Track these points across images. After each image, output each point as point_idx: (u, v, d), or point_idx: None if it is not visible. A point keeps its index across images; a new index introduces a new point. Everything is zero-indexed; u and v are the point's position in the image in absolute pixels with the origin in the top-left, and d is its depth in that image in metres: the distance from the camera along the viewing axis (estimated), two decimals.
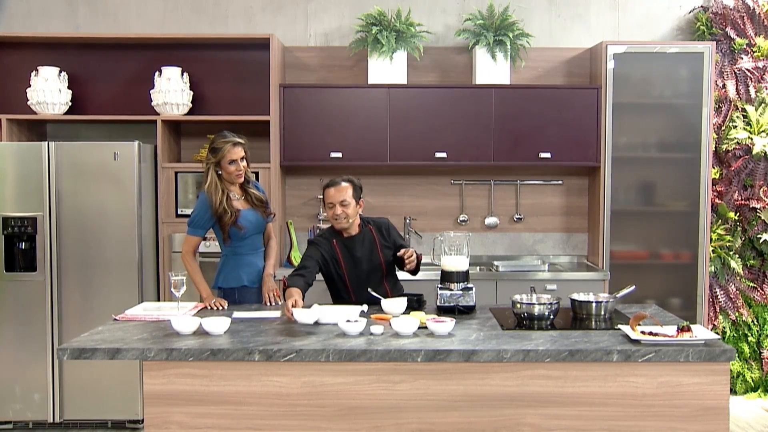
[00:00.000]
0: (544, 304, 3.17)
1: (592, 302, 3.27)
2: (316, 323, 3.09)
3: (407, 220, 5.03)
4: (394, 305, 3.25)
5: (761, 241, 4.93)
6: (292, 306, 3.06)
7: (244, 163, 3.65)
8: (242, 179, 3.67)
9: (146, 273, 4.54)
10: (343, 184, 3.57)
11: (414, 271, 3.67)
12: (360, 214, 3.67)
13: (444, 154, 4.73)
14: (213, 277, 3.77)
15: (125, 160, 4.41)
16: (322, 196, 3.73)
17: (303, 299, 3.22)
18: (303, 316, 2.99)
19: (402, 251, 3.56)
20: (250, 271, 3.68)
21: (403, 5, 4.94)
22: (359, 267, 3.61)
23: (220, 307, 3.46)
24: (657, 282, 4.88)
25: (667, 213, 4.91)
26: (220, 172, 3.61)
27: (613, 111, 4.74)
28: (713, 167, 4.90)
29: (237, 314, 3.27)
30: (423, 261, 3.77)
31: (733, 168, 4.97)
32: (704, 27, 5.01)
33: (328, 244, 3.62)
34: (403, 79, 4.81)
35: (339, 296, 3.67)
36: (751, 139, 4.92)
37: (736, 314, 4.95)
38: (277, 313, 3.28)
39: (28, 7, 5.08)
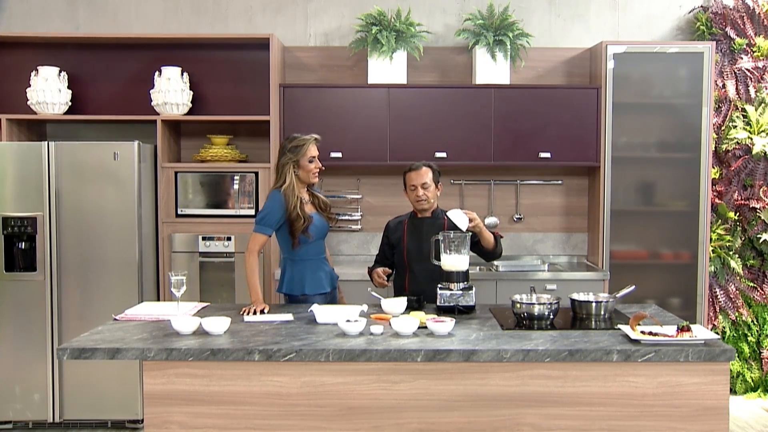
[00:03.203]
0: (544, 304, 3.17)
1: (592, 302, 3.27)
2: (317, 323, 3.11)
3: None
4: (394, 305, 3.26)
5: (761, 241, 4.93)
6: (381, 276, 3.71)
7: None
8: (317, 178, 3.65)
9: (146, 273, 4.54)
10: (424, 168, 3.76)
11: (491, 251, 3.71)
12: (440, 207, 3.84)
13: (444, 154, 4.73)
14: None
15: (125, 160, 4.41)
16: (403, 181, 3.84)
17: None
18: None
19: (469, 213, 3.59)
20: (312, 278, 3.62)
21: (403, 5, 4.94)
22: (421, 248, 3.68)
23: (265, 311, 3.35)
24: (657, 282, 4.88)
25: (667, 213, 4.91)
26: (297, 172, 3.57)
27: (612, 111, 4.75)
28: (713, 167, 4.90)
29: (248, 318, 3.23)
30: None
31: (733, 168, 4.97)
32: (704, 27, 5.02)
33: (399, 225, 3.86)
34: (403, 79, 4.81)
35: (399, 273, 3.82)
36: (751, 139, 4.92)
37: (736, 314, 4.95)
38: (289, 317, 3.26)
39: (28, 7, 5.08)
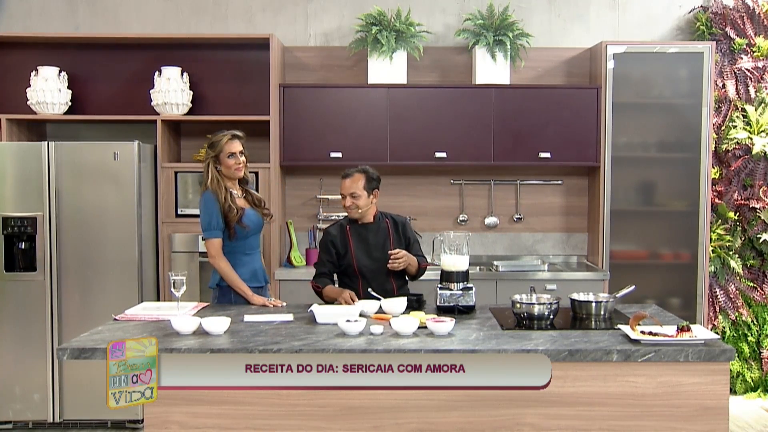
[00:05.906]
0: (544, 304, 3.17)
1: (591, 302, 3.28)
2: (317, 323, 3.11)
3: (407, 220, 5.03)
4: (394, 305, 3.26)
5: (761, 241, 4.93)
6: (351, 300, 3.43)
7: (243, 158, 3.63)
8: (242, 174, 3.65)
9: (146, 273, 4.54)
10: (356, 174, 3.63)
11: (413, 276, 3.75)
12: (379, 210, 3.77)
13: (444, 154, 4.73)
14: (209, 275, 3.78)
15: (125, 159, 4.41)
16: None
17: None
18: (369, 306, 3.30)
19: (392, 251, 3.60)
20: (246, 271, 3.64)
21: (403, 5, 4.94)
22: (370, 255, 3.66)
23: (281, 305, 3.50)
24: (657, 282, 4.88)
25: (667, 213, 4.91)
26: (219, 168, 3.60)
27: (612, 111, 4.75)
28: (713, 167, 4.90)
29: (248, 317, 3.22)
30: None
31: (732, 168, 4.97)
32: (704, 27, 5.02)
33: (341, 232, 3.71)
34: (403, 79, 4.81)
35: (349, 286, 3.68)
36: (751, 139, 4.92)
37: (736, 314, 4.95)
38: (289, 317, 3.27)
39: (28, 7, 5.08)
